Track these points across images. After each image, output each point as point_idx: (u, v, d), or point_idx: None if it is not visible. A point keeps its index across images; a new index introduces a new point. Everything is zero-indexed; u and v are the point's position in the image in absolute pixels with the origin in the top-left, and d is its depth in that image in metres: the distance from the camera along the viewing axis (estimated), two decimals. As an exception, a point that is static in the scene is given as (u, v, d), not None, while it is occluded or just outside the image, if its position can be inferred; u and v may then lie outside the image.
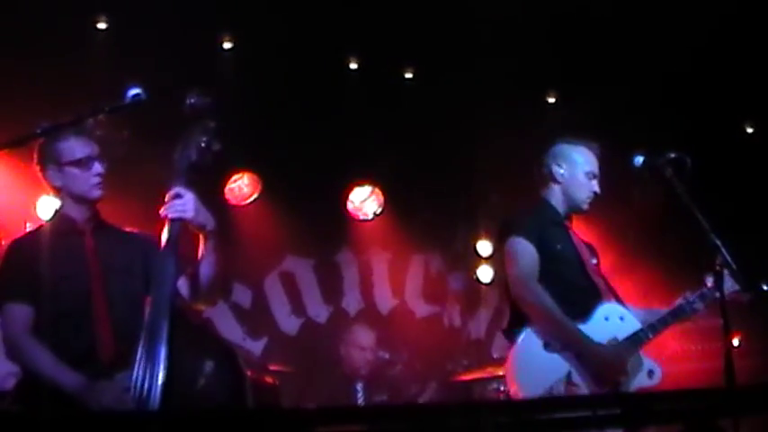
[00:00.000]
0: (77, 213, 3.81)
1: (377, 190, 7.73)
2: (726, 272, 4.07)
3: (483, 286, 8.08)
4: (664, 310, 4.45)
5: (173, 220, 3.56)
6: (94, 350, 3.59)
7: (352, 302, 7.94)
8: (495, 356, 6.39)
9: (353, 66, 7.01)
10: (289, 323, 7.70)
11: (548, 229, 4.41)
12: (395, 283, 8.14)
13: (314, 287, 7.86)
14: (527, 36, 6.57)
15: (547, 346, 4.23)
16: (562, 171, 4.51)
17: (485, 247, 8.02)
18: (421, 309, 8.17)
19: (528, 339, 4.25)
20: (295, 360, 6.98)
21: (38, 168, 3.81)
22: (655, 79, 6.63)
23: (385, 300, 8.10)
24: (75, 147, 3.73)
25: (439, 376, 7.36)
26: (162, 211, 3.58)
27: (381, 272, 8.11)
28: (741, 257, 4.07)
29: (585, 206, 4.52)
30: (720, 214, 4.18)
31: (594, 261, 4.58)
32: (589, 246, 4.66)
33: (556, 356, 4.21)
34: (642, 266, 5.40)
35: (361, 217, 7.77)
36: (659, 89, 6.71)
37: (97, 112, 3.43)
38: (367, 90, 6.96)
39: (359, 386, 6.27)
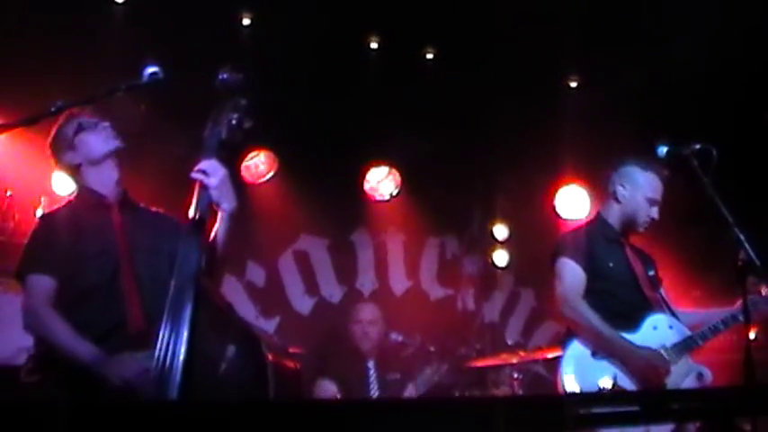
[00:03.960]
0: (105, 185, 3.81)
1: (394, 171, 7.68)
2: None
3: (498, 270, 8.06)
4: (714, 312, 4.62)
5: (200, 192, 3.48)
6: (122, 326, 3.55)
7: (366, 283, 7.93)
8: (509, 343, 6.35)
9: (374, 45, 6.92)
10: (302, 303, 7.69)
11: (600, 247, 4.65)
12: (409, 265, 8.12)
13: (328, 267, 7.84)
14: (550, 19, 6.47)
15: (594, 354, 4.45)
16: (625, 192, 4.69)
17: (501, 230, 7.98)
18: (435, 291, 8.16)
19: (576, 348, 4.48)
20: (308, 340, 6.96)
21: (56, 161, 3.85)
22: (677, 66, 6.52)
23: (399, 281, 8.08)
24: (78, 119, 3.77)
25: (452, 359, 7.31)
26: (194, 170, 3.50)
27: (396, 253, 8.08)
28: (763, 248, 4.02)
29: (641, 229, 4.72)
30: (742, 204, 4.14)
31: (651, 272, 4.76)
32: (646, 257, 4.83)
33: (603, 363, 4.42)
34: (664, 259, 5.34)
35: (378, 197, 7.72)
36: (681, 76, 6.59)
37: (114, 91, 3.38)
38: (387, 70, 6.88)
39: (371, 365, 6.24)
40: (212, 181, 3.48)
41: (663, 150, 4.36)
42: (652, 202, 4.66)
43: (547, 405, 2.75)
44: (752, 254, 3.92)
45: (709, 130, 5.73)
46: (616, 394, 3.69)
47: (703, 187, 4.06)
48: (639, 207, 4.66)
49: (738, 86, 6.63)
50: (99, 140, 3.78)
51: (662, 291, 4.81)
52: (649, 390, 4.32)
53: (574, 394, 3.98)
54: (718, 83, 6.55)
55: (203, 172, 3.48)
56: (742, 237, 3.93)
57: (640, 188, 4.66)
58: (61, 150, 3.82)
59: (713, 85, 6.56)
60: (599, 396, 3.50)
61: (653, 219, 4.67)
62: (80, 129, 3.77)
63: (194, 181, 3.53)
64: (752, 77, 6.60)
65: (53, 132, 3.83)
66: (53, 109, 3.17)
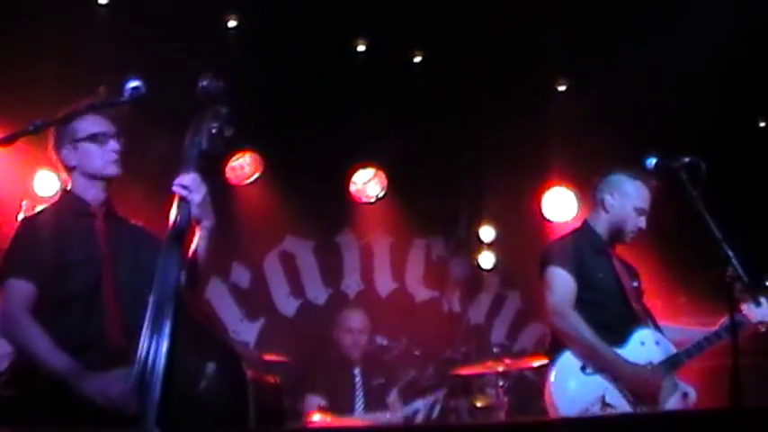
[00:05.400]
0: (91, 195, 3.71)
1: (380, 172, 7.63)
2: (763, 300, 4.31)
3: (484, 272, 8.03)
4: (697, 330, 4.59)
5: (180, 205, 3.43)
6: (101, 339, 3.48)
7: (351, 285, 7.89)
8: (495, 351, 6.31)
9: (361, 48, 6.87)
10: (287, 304, 7.64)
11: (588, 257, 4.58)
12: (395, 267, 8.09)
13: (313, 269, 7.80)
14: (538, 22, 6.44)
15: (584, 369, 4.41)
16: (613, 201, 4.63)
17: (487, 232, 7.96)
18: (421, 293, 8.12)
19: (565, 362, 4.43)
20: (292, 342, 6.93)
21: (52, 149, 3.71)
22: (666, 71, 6.49)
23: (385, 283, 8.05)
24: (92, 123, 3.65)
25: (437, 362, 7.29)
26: (175, 183, 3.44)
27: (382, 255, 8.05)
28: (751, 253, 3.99)
29: (628, 239, 4.66)
30: (731, 210, 4.12)
31: (635, 284, 4.70)
32: (630, 268, 4.77)
33: (592, 378, 4.39)
34: (648, 265, 5.32)
35: (364, 199, 7.67)
36: (671, 81, 6.56)
37: (93, 109, 3.31)
38: (374, 73, 6.83)
39: (356, 372, 6.21)
40: (195, 197, 3.43)
41: (651, 162, 4.31)
42: (640, 212, 4.61)
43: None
44: (740, 270, 3.88)
45: (698, 136, 5.77)
46: (603, 419, 3.65)
47: (692, 201, 4.03)
48: (627, 216, 4.61)
49: (731, 93, 6.61)
50: (102, 160, 3.68)
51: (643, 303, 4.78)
52: (638, 409, 4.32)
53: (561, 420, 3.94)
54: (708, 89, 6.54)
55: (186, 187, 3.43)
56: (730, 253, 3.90)
57: (629, 197, 4.61)
58: (64, 141, 3.68)
59: (703, 92, 6.54)
60: (585, 421, 3.47)
61: (640, 229, 4.62)
62: (91, 138, 3.65)
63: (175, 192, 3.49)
64: (745, 85, 6.57)
65: (69, 113, 3.59)
66: (31, 128, 3.08)
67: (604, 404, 4.32)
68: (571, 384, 4.38)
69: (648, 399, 4.37)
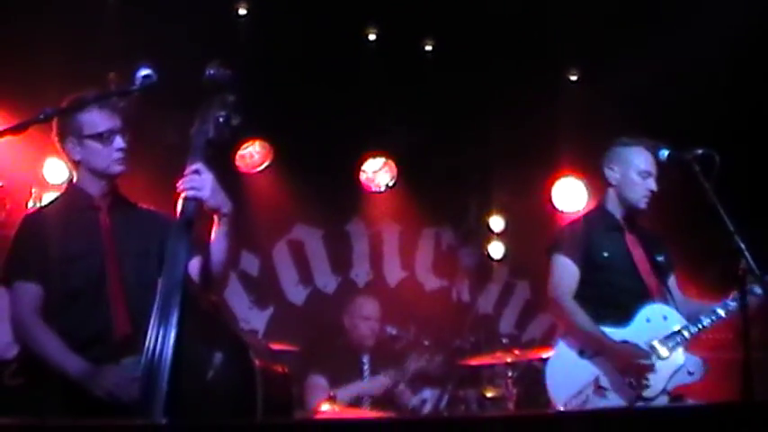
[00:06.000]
0: (95, 189, 3.70)
1: (390, 161, 7.61)
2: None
3: (493, 262, 8.02)
4: (714, 305, 4.56)
5: (188, 199, 3.42)
6: (108, 331, 3.50)
7: (360, 273, 7.88)
8: (504, 341, 6.30)
9: (372, 37, 6.85)
10: (296, 293, 7.64)
11: (597, 236, 4.61)
12: (405, 256, 8.07)
13: (323, 257, 7.79)
14: (550, 11, 6.40)
15: (582, 354, 4.48)
16: (615, 174, 4.63)
17: (497, 222, 7.94)
18: (430, 282, 8.11)
19: (562, 347, 4.55)
20: (301, 331, 6.92)
21: (56, 139, 3.69)
22: (679, 61, 6.44)
23: (394, 272, 8.04)
24: (98, 119, 3.61)
25: (446, 351, 7.27)
26: (179, 186, 3.43)
27: (392, 244, 8.04)
28: (763, 246, 3.95)
29: (643, 205, 4.62)
30: (744, 202, 4.09)
31: (661, 258, 4.68)
32: (656, 241, 4.75)
33: (587, 363, 4.46)
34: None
35: (374, 188, 7.66)
36: (683, 72, 6.51)
37: (105, 97, 3.30)
38: (385, 62, 6.81)
39: (365, 359, 6.21)
40: (205, 193, 3.41)
41: (664, 154, 4.34)
42: (644, 175, 4.57)
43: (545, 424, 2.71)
44: (752, 263, 3.86)
45: (711, 128, 5.72)
46: (612, 414, 3.63)
47: (705, 193, 4.00)
48: (633, 183, 4.59)
49: (745, 84, 6.55)
50: (107, 160, 3.66)
51: (671, 276, 4.75)
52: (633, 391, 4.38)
53: (569, 413, 3.94)
54: (721, 80, 6.49)
55: (193, 188, 3.40)
56: (742, 245, 3.87)
57: (629, 164, 4.60)
58: (68, 133, 3.66)
59: (716, 82, 6.49)
60: (593, 415, 3.45)
61: (651, 191, 4.58)
62: (96, 137, 3.63)
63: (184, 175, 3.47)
64: (760, 74, 6.51)
65: (78, 102, 3.57)
66: (42, 116, 3.08)
67: (598, 387, 4.40)
68: (565, 368, 4.48)
69: (637, 381, 4.40)
